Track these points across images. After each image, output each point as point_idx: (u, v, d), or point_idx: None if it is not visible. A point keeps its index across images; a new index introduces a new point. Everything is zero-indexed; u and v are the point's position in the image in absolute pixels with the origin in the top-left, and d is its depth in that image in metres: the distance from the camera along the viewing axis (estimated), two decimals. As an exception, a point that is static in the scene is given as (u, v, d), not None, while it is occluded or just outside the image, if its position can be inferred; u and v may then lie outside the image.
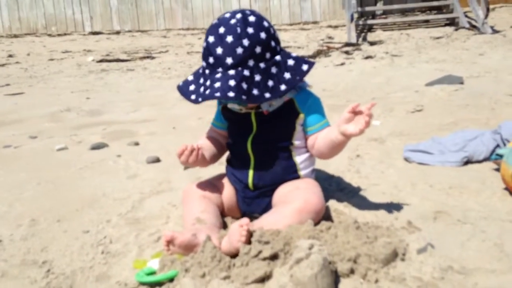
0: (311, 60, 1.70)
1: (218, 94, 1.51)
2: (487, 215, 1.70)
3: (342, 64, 6.02)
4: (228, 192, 1.77)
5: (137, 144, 2.98)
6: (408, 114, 3.26)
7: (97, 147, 2.93)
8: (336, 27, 10.80)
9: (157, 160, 2.60)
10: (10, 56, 9.30)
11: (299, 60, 1.65)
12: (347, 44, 7.97)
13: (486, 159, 2.20)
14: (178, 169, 2.41)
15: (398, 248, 1.45)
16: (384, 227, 1.59)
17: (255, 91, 1.54)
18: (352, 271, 1.36)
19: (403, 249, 1.46)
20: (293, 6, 12.35)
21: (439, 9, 10.49)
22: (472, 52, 6.08)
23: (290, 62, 1.63)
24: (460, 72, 4.57)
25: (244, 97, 1.52)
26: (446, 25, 9.44)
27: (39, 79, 6.45)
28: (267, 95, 1.55)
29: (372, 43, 7.92)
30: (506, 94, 3.59)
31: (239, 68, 1.53)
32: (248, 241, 1.37)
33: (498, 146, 2.20)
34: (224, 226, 1.70)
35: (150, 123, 3.56)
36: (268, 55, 1.58)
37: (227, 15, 1.61)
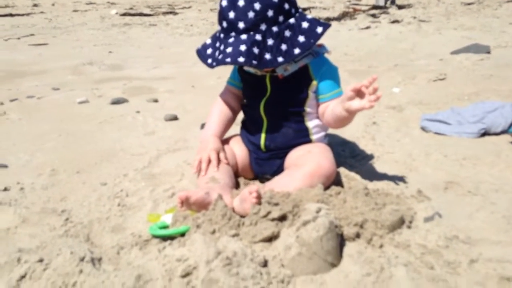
0: (327, 22, 1.67)
1: (228, 60, 1.52)
2: (499, 187, 1.70)
3: (367, 27, 5.90)
4: (242, 153, 1.80)
5: (156, 101, 3.01)
6: (430, 83, 3.21)
7: (117, 102, 2.98)
8: (364, -12, 10.50)
9: (175, 118, 2.64)
10: (35, 5, 9.34)
11: (314, 22, 1.63)
12: (375, 7, 7.78)
13: (504, 131, 2.18)
14: (195, 128, 2.45)
15: (405, 216, 1.47)
16: (394, 194, 1.61)
17: (267, 56, 1.53)
18: (358, 236, 1.39)
19: (411, 217, 1.49)
20: (321, -35, 12.00)
21: (473, -27, 10.08)
22: (503, 20, 5.88)
23: (305, 24, 1.61)
24: (488, 41, 4.44)
25: (254, 62, 1.52)
26: (479, -10, 9.09)
27: (63, 30, 6.49)
28: (280, 59, 1.55)
29: (400, 7, 7.71)
30: (533, 66, 3.50)
31: (251, 33, 1.53)
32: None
33: (517, 119, 2.17)
34: (237, 186, 1.74)
35: (169, 81, 3.59)
36: (281, 18, 1.56)
37: None
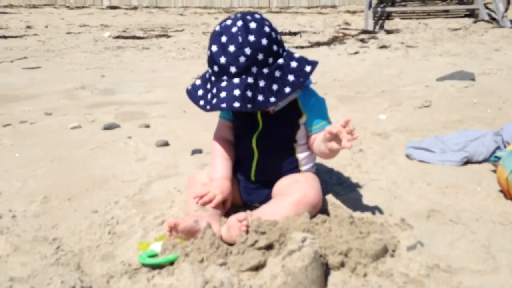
0: (314, 60, 1.73)
1: (224, 105, 1.57)
2: (479, 216, 1.76)
3: (356, 53, 6.02)
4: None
5: (147, 126, 3.06)
6: (416, 110, 3.29)
7: (109, 127, 3.02)
8: (354, 12, 10.73)
9: (166, 144, 2.68)
10: (29, 27, 9.41)
11: (302, 61, 1.69)
12: (364, 32, 7.93)
13: (486, 160, 2.24)
14: (185, 154, 2.50)
15: (388, 245, 1.52)
16: (378, 223, 1.66)
17: (260, 97, 1.59)
18: (342, 265, 1.43)
19: (394, 246, 1.54)
20: (312, -11, 12.27)
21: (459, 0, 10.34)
22: (488, 46, 6.04)
23: (293, 64, 1.66)
24: (473, 68, 4.56)
25: (249, 105, 1.57)
26: (465, 16, 9.33)
27: (56, 53, 6.55)
28: (272, 99, 1.60)
29: (388, 32, 7.87)
30: (516, 94, 3.60)
31: (243, 76, 1.58)
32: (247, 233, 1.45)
33: (498, 148, 2.24)
34: (226, 213, 1.78)
35: (161, 105, 3.64)
36: (270, 60, 1.62)
37: (229, 22, 1.64)
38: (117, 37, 8.15)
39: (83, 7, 12.93)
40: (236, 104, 1.56)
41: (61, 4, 13.21)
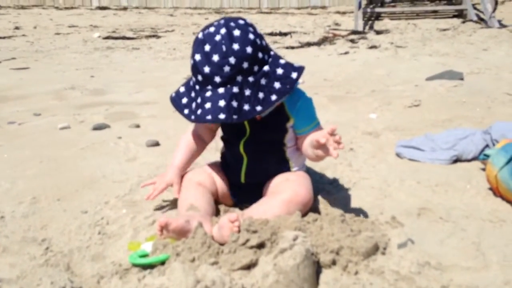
0: (301, 65, 1.70)
1: (209, 118, 1.54)
2: (469, 214, 1.77)
3: (346, 53, 6.04)
4: (221, 181, 1.84)
5: (138, 126, 3.05)
6: (406, 109, 3.31)
7: (99, 127, 3.00)
8: (344, 13, 10.77)
9: (157, 144, 2.67)
10: (17, 28, 9.32)
11: (288, 67, 1.65)
12: (353, 32, 7.96)
13: (475, 158, 2.26)
14: (176, 154, 2.48)
15: (379, 242, 1.53)
16: (369, 221, 1.66)
17: (246, 106, 1.55)
18: (333, 263, 1.43)
19: (385, 244, 1.54)
20: (302, -10, 12.30)
21: (448, 0, 10.42)
22: (477, 46, 6.09)
23: (279, 71, 1.62)
24: (462, 67, 4.59)
25: (235, 116, 1.54)
26: (454, 16, 9.40)
27: (45, 53, 6.49)
28: (259, 108, 1.57)
29: (378, 32, 7.91)
30: (504, 93, 3.63)
31: (228, 86, 1.55)
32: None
33: (487, 146, 2.26)
34: (217, 213, 1.78)
35: (151, 106, 3.63)
36: (256, 67, 1.58)
37: (212, 29, 1.59)
38: (107, 37, 8.11)
39: (72, 7, 12.85)
40: (222, 116, 1.53)
41: (50, 5, 13.11)
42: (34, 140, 2.79)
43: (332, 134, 1.49)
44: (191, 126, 1.91)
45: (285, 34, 8.02)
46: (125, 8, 12.76)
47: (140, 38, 8.07)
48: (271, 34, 8.01)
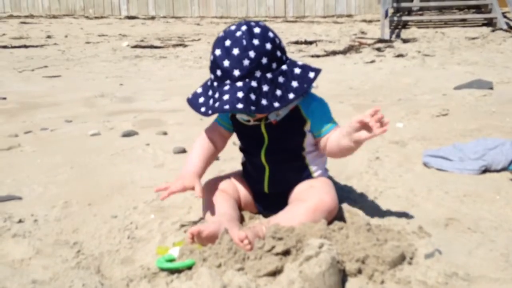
0: (317, 67, 1.71)
1: (227, 107, 1.55)
2: (498, 225, 1.74)
3: (372, 61, 6.01)
4: (244, 189, 1.85)
5: (165, 133, 3.10)
6: (433, 118, 3.28)
7: (127, 134, 3.07)
8: (370, 21, 10.72)
9: (183, 151, 2.72)
10: (49, 37, 9.59)
11: (306, 68, 1.68)
12: (380, 41, 7.92)
13: (504, 169, 2.23)
14: (203, 161, 2.52)
15: (406, 252, 1.52)
16: (395, 230, 1.65)
17: (263, 101, 1.57)
18: (359, 271, 1.43)
19: (411, 253, 1.53)
20: (328, -2, 12.30)
21: (477, 8, 10.27)
22: (506, 55, 5.98)
23: (297, 70, 1.66)
24: (491, 77, 4.53)
25: (253, 107, 1.55)
26: (483, 25, 9.26)
27: (75, 62, 6.67)
28: (276, 104, 1.59)
29: (405, 41, 7.85)
30: (535, 103, 3.57)
31: (247, 80, 1.57)
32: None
33: (517, 156, 2.23)
34: (242, 219, 1.80)
35: (178, 113, 3.69)
36: (274, 65, 1.61)
37: (233, 27, 1.63)
38: (135, 46, 8.27)
39: (101, 17, 13.15)
40: (240, 105, 1.54)
41: (80, 15, 13.46)
42: (66, 146, 2.87)
43: (374, 115, 1.50)
44: (203, 131, 1.90)
45: (310, 43, 8.03)
46: (153, 18, 13.00)
47: (167, 47, 8.20)
48: (297, 42, 8.04)
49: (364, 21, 10.93)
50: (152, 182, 2.25)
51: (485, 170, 2.25)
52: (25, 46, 8.23)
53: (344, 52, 6.99)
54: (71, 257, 1.57)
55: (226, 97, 1.56)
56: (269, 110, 1.59)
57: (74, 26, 11.41)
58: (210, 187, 1.84)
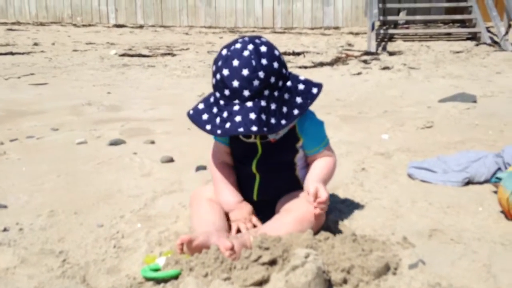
0: (319, 83, 1.76)
1: (241, 130, 1.55)
2: (481, 236, 1.78)
3: (359, 73, 6.08)
4: (234, 198, 1.86)
5: (153, 142, 3.10)
6: (418, 130, 3.33)
7: (115, 143, 3.06)
8: (357, 34, 10.83)
9: (171, 160, 2.72)
10: (36, 44, 9.52)
11: (308, 83, 1.72)
12: (366, 53, 8.01)
13: (487, 181, 2.27)
14: (190, 170, 2.53)
15: (390, 262, 1.54)
16: (380, 241, 1.68)
17: (272, 120, 1.59)
18: (345, 281, 1.45)
19: (396, 264, 1.55)
20: (316, 11, 12.42)
21: (462, 23, 10.46)
22: (490, 69, 6.10)
23: (301, 86, 1.69)
24: (475, 90, 4.61)
25: (265, 129, 1.57)
26: (468, 39, 9.41)
27: (62, 70, 6.63)
28: (283, 121, 1.61)
29: (391, 53, 7.95)
30: (517, 116, 3.64)
31: (256, 100, 1.58)
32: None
33: (499, 169, 2.27)
34: (229, 228, 1.81)
35: (166, 122, 3.69)
36: (280, 82, 1.64)
37: (238, 45, 1.63)
38: (123, 55, 8.24)
39: (89, 25, 13.10)
40: (254, 128, 1.55)
41: (68, 22, 13.38)
42: (52, 154, 2.85)
43: (317, 196, 1.64)
44: (212, 157, 1.89)
45: (298, 54, 8.09)
46: (141, 26, 12.99)
47: (155, 56, 8.20)
48: (285, 53, 8.08)
49: (351, 33, 11.05)
50: (139, 191, 2.25)
51: (468, 182, 2.29)
52: (12, 53, 8.16)
53: (331, 63, 7.06)
54: (57, 266, 1.57)
55: (238, 118, 1.57)
56: (278, 129, 1.61)
57: (62, 34, 11.34)
58: (198, 196, 1.85)
